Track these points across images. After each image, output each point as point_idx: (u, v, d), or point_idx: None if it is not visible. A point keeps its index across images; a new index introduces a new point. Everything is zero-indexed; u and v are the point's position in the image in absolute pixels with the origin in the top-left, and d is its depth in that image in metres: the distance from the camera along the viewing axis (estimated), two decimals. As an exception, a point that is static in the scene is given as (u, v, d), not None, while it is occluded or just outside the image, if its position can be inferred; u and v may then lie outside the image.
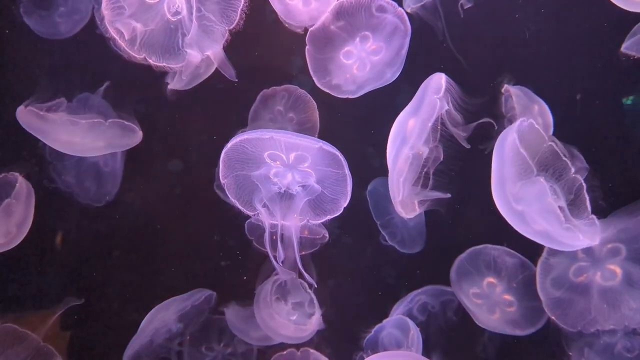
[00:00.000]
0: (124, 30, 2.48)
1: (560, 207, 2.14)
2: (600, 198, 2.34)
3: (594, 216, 2.25)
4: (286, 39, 2.95)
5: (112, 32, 2.49)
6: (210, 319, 3.26)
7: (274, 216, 2.53)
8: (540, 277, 2.63)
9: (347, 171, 2.40)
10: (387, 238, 3.31)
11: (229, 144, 2.40)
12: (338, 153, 2.36)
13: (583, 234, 2.17)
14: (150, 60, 2.58)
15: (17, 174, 2.86)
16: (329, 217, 2.55)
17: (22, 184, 2.84)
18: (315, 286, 2.85)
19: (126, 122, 2.87)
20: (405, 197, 2.46)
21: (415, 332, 2.95)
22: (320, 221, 2.56)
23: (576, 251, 2.51)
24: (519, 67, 3.12)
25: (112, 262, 3.50)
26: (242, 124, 3.21)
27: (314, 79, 2.84)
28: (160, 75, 2.80)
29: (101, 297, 3.51)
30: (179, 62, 2.61)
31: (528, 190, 2.17)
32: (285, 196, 2.53)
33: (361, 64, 2.82)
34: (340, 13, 2.71)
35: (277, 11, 2.80)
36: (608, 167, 3.12)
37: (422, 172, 2.47)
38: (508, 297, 2.94)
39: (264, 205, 2.52)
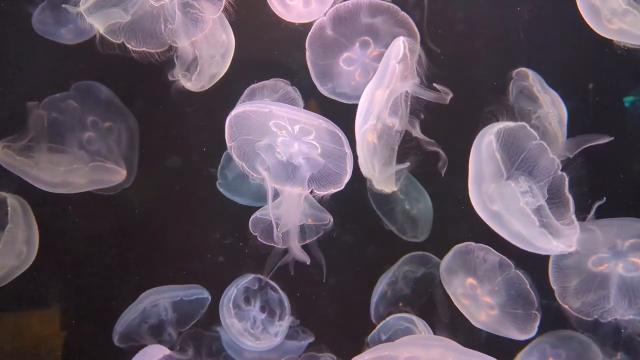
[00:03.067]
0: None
1: (540, 207, 2.19)
2: (588, 196, 2.36)
3: (573, 217, 2.28)
4: (286, 33, 2.97)
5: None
6: (202, 335, 3.37)
7: (277, 182, 2.61)
8: (554, 267, 2.62)
9: (347, 150, 2.46)
10: (387, 224, 3.39)
11: (233, 112, 2.48)
12: (338, 131, 2.43)
13: (560, 238, 2.21)
14: (129, 45, 2.69)
15: (3, 194, 2.91)
16: (332, 190, 2.62)
17: (14, 206, 2.88)
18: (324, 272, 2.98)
19: (107, 165, 2.98)
20: (379, 171, 2.52)
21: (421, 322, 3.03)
22: (324, 193, 2.63)
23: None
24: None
25: (111, 261, 3.57)
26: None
27: (316, 85, 2.86)
28: (158, 71, 2.88)
29: (99, 296, 3.59)
30: (159, 48, 2.73)
31: (502, 192, 2.22)
32: (288, 166, 2.60)
33: (363, 71, 2.79)
34: (335, 17, 2.69)
35: (277, 13, 2.83)
36: (607, 166, 3.11)
37: (393, 144, 2.54)
38: (489, 299, 2.92)
39: (267, 169, 2.59)
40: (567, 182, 2.28)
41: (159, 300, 3.27)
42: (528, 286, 2.76)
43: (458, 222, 3.33)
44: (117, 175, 3.05)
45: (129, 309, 3.28)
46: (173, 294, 3.26)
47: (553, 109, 2.75)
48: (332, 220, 2.87)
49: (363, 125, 2.44)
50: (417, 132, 2.55)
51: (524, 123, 2.27)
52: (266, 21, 2.95)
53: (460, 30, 3.23)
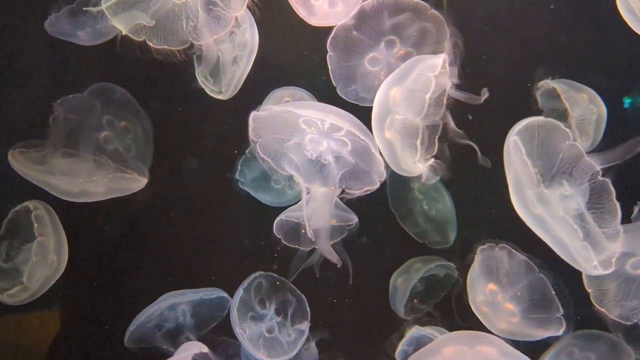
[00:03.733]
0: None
1: (581, 215, 2.14)
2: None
3: (619, 226, 2.22)
4: (305, 34, 2.95)
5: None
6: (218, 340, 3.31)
7: (306, 181, 2.58)
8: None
9: (374, 151, 2.44)
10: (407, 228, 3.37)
11: (262, 113, 2.46)
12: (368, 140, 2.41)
13: (601, 253, 2.14)
14: (150, 43, 2.66)
15: (27, 204, 2.89)
16: (364, 188, 2.59)
17: (40, 217, 2.86)
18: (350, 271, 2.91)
19: (128, 175, 2.97)
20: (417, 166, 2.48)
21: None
22: (356, 192, 2.60)
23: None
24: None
25: (122, 263, 3.54)
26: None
27: (337, 87, 2.80)
28: (177, 73, 2.85)
29: (111, 299, 3.55)
30: (180, 45, 2.69)
31: (542, 196, 2.17)
32: (316, 164, 2.57)
33: (389, 71, 2.70)
34: (361, 16, 2.65)
35: (301, 15, 2.77)
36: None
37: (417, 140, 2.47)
38: (510, 306, 2.80)
39: (296, 168, 2.56)
40: (611, 188, 2.23)
41: (177, 302, 3.21)
42: (553, 291, 2.68)
43: (481, 225, 3.34)
44: (137, 183, 3.04)
45: (145, 310, 3.22)
46: (193, 296, 3.21)
47: (592, 107, 2.70)
48: (357, 221, 2.84)
49: (381, 123, 2.43)
50: (451, 125, 2.50)
51: (553, 120, 2.22)
52: (287, 23, 2.90)
53: (480, 29, 3.21)
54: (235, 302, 3.12)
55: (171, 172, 3.48)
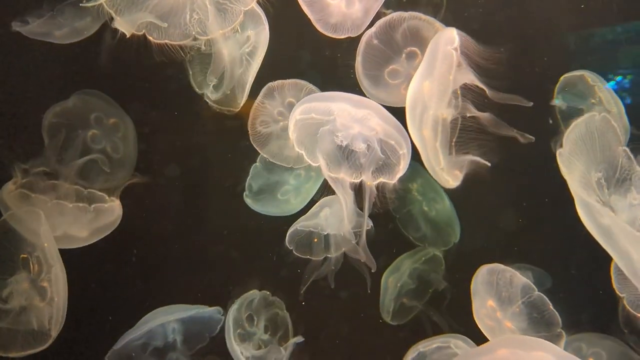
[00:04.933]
0: None
1: None
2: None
3: None
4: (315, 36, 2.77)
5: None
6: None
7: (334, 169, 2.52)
8: (618, 275, 2.47)
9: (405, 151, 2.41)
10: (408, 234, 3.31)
11: (299, 115, 2.43)
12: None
13: None
14: (150, 37, 2.48)
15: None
16: (381, 180, 2.54)
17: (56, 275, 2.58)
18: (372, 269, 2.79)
19: (106, 205, 2.75)
20: (446, 165, 2.42)
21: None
22: (375, 182, 2.54)
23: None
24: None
25: (111, 273, 3.31)
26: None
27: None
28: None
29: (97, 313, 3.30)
30: (183, 39, 2.52)
31: (610, 204, 2.13)
32: (346, 151, 2.50)
33: (409, 84, 2.61)
34: (382, 27, 2.60)
35: (312, 20, 2.65)
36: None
37: (452, 136, 2.44)
38: (509, 324, 2.74)
39: (325, 158, 2.51)
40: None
41: (168, 320, 3.01)
42: (551, 307, 2.66)
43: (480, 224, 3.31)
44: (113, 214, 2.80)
45: (134, 329, 2.98)
46: (184, 313, 3.02)
47: (613, 105, 2.71)
48: (372, 225, 2.75)
49: (416, 120, 2.36)
50: (496, 123, 2.44)
51: (608, 116, 2.16)
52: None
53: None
54: (228, 321, 3.04)
55: (169, 180, 3.30)
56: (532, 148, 2.93)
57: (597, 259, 2.63)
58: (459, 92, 2.42)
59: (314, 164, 2.56)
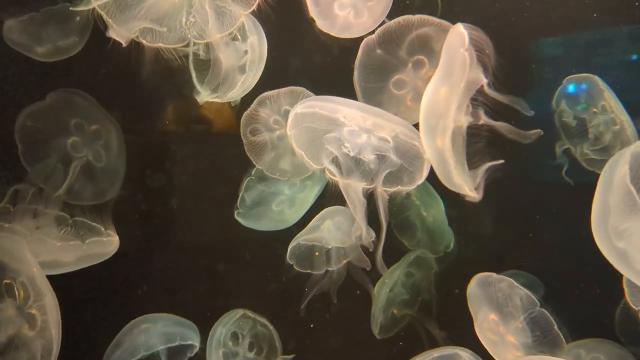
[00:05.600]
0: None
1: None
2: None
3: None
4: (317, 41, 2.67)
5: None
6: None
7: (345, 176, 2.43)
8: (632, 287, 2.40)
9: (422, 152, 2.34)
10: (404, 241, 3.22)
11: (300, 111, 2.33)
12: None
13: None
14: (143, 40, 2.38)
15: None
16: (398, 187, 2.47)
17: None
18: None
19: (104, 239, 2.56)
20: (466, 175, 2.31)
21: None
22: (391, 190, 2.46)
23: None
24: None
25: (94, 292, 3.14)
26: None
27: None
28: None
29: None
30: (177, 43, 2.43)
31: (633, 228, 2.04)
32: (354, 161, 2.42)
33: (416, 95, 2.50)
34: (385, 35, 2.45)
35: (320, 26, 2.52)
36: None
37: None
38: (512, 339, 2.63)
39: (334, 163, 2.42)
40: None
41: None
42: (556, 327, 2.56)
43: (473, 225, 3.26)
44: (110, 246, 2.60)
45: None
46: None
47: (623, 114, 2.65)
48: (374, 235, 2.63)
49: (432, 130, 2.25)
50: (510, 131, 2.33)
51: None
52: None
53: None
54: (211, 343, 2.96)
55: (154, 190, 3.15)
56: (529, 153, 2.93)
57: (595, 265, 2.66)
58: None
59: (316, 167, 2.46)
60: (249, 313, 3.00)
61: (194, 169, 3.19)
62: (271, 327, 3.02)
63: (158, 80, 2.90)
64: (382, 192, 2.42)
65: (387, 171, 2.38)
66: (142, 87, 2.91)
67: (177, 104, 3.05)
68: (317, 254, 2.76)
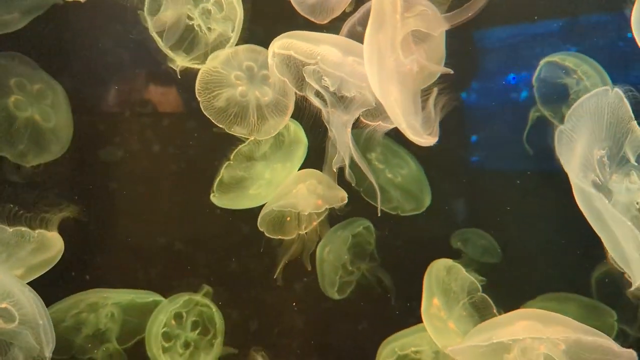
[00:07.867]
0: None
1: None
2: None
3: None
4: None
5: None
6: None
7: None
8: None
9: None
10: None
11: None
12: None
13: None
14: None
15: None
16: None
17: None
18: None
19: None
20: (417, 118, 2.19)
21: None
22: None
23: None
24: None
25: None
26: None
27: None
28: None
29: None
30: None
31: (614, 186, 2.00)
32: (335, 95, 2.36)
33: None
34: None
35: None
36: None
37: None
38: (452, 325, 2.55)
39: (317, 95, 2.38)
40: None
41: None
42: (495, 311, 2.50)
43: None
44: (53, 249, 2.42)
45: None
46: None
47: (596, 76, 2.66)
48: (346, 198, 2.61)
49: (380, 73, 2.12)
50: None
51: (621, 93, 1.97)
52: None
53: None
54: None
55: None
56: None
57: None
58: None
59: (298, 92, 2.40)
60: (198, 293, 2.90)
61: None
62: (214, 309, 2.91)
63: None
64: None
65: (360, 106, 2.31)
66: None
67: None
68: (288, 219, 2.67)
